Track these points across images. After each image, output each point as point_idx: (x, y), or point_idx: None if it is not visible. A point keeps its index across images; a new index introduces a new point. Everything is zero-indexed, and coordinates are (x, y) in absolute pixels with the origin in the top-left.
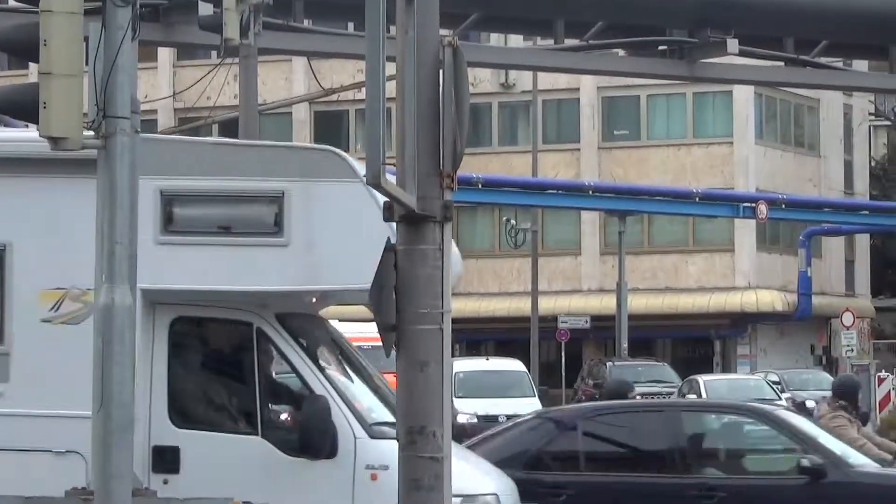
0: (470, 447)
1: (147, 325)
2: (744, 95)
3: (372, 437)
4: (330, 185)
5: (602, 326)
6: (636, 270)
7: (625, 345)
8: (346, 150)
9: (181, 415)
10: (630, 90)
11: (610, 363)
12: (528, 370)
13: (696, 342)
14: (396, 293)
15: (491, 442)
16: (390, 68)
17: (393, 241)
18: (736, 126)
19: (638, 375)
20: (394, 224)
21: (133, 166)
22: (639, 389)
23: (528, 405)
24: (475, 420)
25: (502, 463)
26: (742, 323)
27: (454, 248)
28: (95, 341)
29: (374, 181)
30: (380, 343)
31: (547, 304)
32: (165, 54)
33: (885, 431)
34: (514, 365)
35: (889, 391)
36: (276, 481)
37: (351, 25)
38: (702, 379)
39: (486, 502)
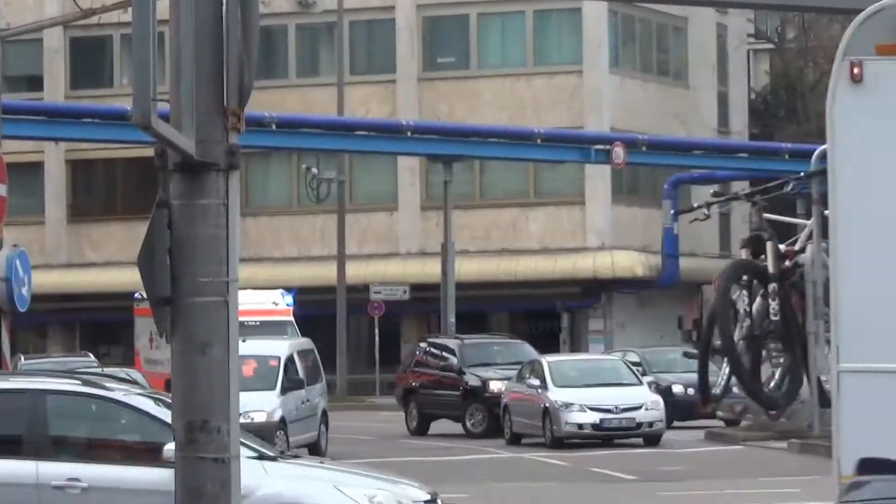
0: None
1: None
2: (595, 13)
3: None
4: None
5: (424, 297)
6: (466, 228)
7: (452, 319)
8: (110, 83)
9: None
10: (457, 8)
11: (457, 340)
12: (335, 351)
13: (539, 315)
14: (171, 258)
15: None
16: None
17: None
18: (586, 51)
19: (494, 356)
20: None
21: None
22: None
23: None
24: None
25: None
26: (595, 291)
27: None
28: None
29: (143, 121)
30: (274, 318)
31: (357, 271)
32: None
33: (767, 421)
34: (275, 348)
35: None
36: None
37: None
38: (546, 360)
39: None
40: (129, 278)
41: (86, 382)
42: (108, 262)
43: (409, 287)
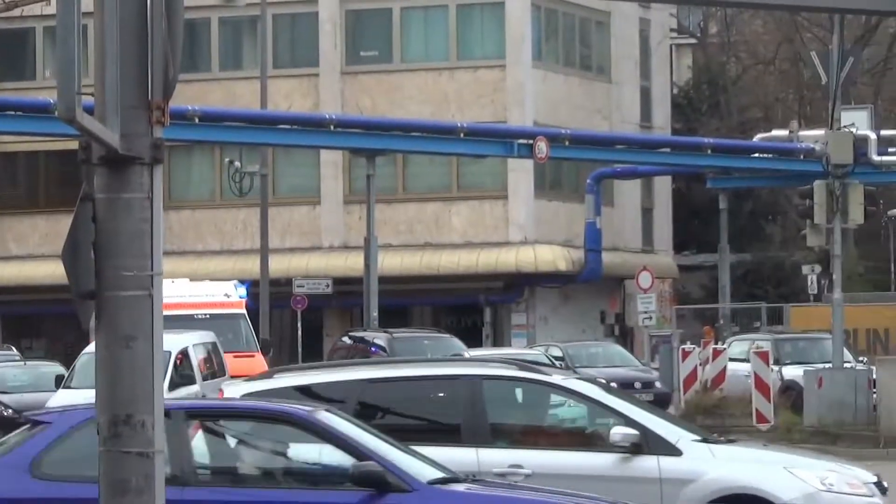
0: None
1: None
2: (518, 8)
3: None
4: None
5: (347, 291)
6: (388, 223)
7: (375, 314)
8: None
9: None
10: (380, 2)
11: (386, 334)
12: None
13: (462, 309)
14: (95, 252)
15: None
16: None
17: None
18: (509, 45)
19: (423, 350)
20: None
21: None
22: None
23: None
24: None
25: None
26: (518, 285)
27: None
28: None
29: (67, 115)
30: (226, 311)
31: (280, 265)
32: None
33: (689, 416)
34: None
35: (695, 367)
36: None
37: None
38: (469, 354)
39: None
40: (52, 271)
41: (523, 367)
42: (31, 256)
43: (331, 281)
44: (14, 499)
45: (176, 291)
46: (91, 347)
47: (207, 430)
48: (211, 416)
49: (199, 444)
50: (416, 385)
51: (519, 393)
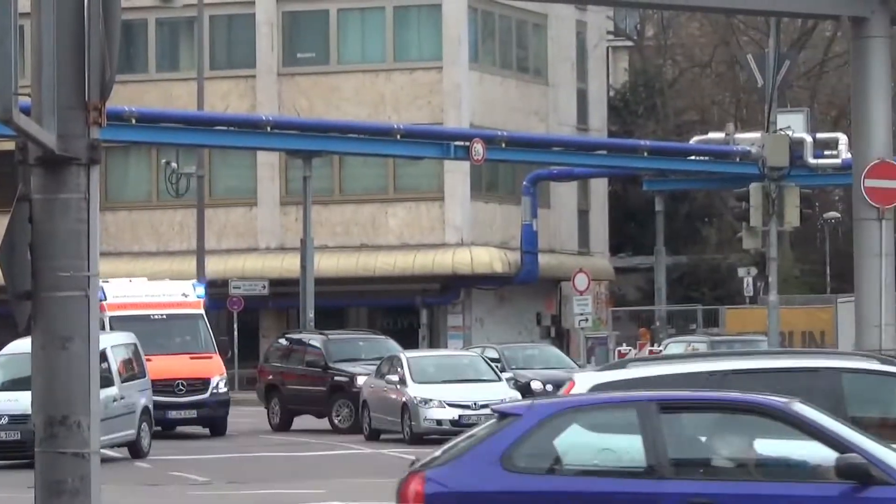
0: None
1: None
2: (455, 10)
3: None
4: None
5: (283, 293)
6: (325, 224)
7: (311, 315)
8: None
9: None
10: (317, 3)
11: (322, 336)
12: None
13: (398, 311)
14: (32, 252)
15: None
16: None
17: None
18: (446, 48)
19: (359, 351)
20: None
21: None
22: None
23: None
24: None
25: None
26: (454, 287)
27: None
28: None
29: (4, 115)
30: (183, 311)
31: (216, 266)
32: None
33: None
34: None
35: None
36: None
37: None
38: (405, 356)
39: None
40: None
41: (885, 361)
42: None
43: (268, 282)
44: (488, 491)
45: (132, 291)
46: (8, 349)
47: (679, 422)
48: (683, 408)
49: (672, 435)
50: (774, 377)
51: (880, 387)
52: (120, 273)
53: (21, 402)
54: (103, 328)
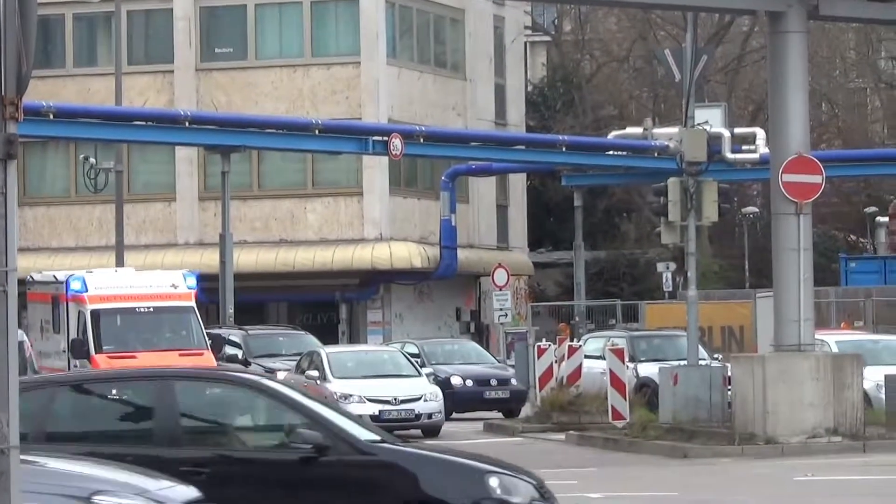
0: None
1: None
2: (373, 5)
3: None
4: None
5: (203, 288)
6: (244, 219)
7: (231, 310)
8: None
9: None
10: None
11: (241, 331)
12: None
13: (317, 306)
14: None
15: None
16: None
17: None
18: (364, 42)
19: (279, 346)
20: None
21: None
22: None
23: None
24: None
25: None
26: (373, 282)
27: None
28: None
29: None
30: (172, 303)
31: (135, 261)
32: None
33: (545, 413)
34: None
35: (551, 364)
36: None
37: None
38: (325, 351)
39: None
40: None
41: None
42: None
43: None
44: None
45: (116, 282)
46: None
47: None
48: None
49: None
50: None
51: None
52: (39, 267)
53: None
54: (84, 322)
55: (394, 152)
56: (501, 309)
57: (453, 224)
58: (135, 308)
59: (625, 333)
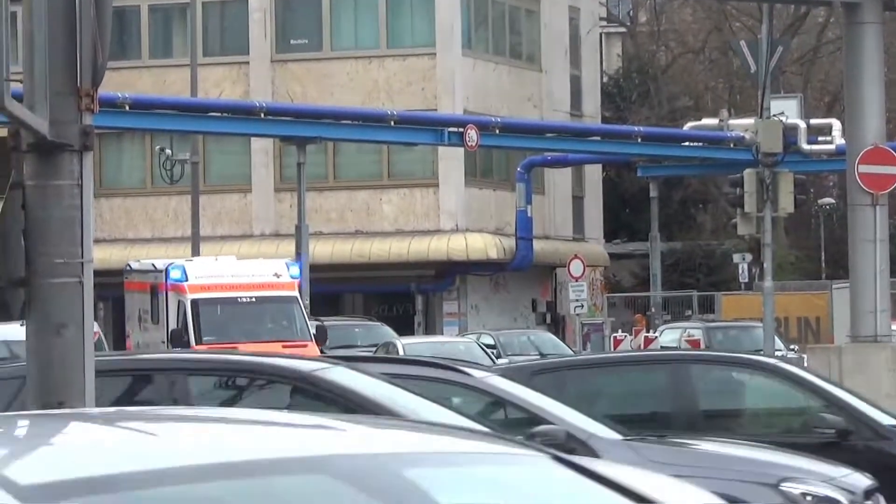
0: None
1: None
2: None
3: None
4: None
5: None
6: (319, 211)
7: (306, 301)
8: None
9: None
10: None
11: (317, 322)
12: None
13: (393, 297)
14: (25, 239)
15: None
16: None
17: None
18: (439, 34)
19: (354, 338)
20: None
21: None
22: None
23: None
24: None
25: None
26: (449, 274)
27: None
28: None
29: None
30: (275, 293)
31: (211, 252)
32: None
33: None
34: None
35: None
36: None
37: None
38: (400, 343)
39: None
40: None
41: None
42: None
43: None
44: None
45: (217, 270)
46: None
47: None
48: None
49: None
50: None
51: None
52: (114, 260)
53: None
54: (184, 312)
55: (469, 143)
56: (577, 300)
57: (529, 215)
58: (236, 298)
59: (701, 324)
